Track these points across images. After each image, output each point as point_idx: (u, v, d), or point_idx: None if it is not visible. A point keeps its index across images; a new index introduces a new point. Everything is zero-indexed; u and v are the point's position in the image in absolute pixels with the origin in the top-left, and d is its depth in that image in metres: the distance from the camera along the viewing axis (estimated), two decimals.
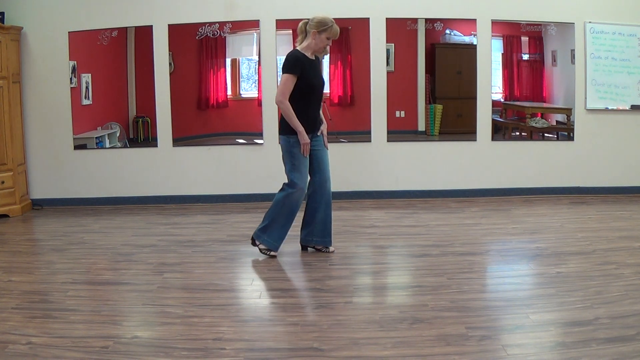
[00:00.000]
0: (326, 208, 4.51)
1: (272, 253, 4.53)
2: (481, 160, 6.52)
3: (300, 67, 4.22)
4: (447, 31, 6.44)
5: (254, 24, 6.28)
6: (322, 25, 4.26)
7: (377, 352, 2.94)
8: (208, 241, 5.03)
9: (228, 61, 6.50)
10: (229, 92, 6.55)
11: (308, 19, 4.33)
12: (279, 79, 4.24)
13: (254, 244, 4.59)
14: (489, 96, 6.45)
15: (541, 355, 2.88)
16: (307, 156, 4.37)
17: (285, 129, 4.32)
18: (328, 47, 4.45)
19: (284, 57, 4.38)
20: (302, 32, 4.35)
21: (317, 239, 4.58)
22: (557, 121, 6.65)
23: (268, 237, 4.49)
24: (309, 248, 4.67)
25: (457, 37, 6.46)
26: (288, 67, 4.22)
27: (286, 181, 4.43)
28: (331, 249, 4.61)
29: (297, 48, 4.34)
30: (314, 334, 3.18)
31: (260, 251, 4.53)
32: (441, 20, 6.38)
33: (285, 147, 4.36)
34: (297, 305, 3.65)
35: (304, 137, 4.28)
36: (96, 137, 6.45)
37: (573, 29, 6.36)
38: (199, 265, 4.39)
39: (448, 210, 6.00)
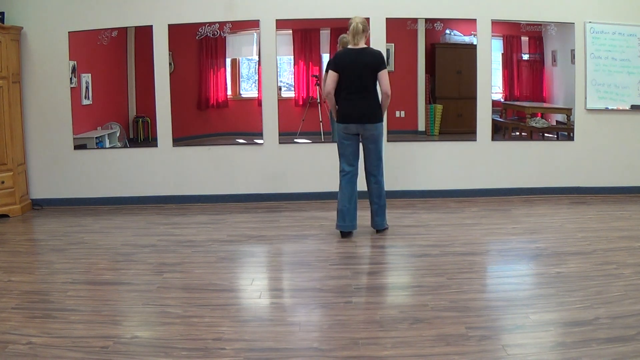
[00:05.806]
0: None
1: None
2: (481, 160, 6.52)
3: None
4: (447, 31, 6.44)
5: (254, 24, 6.28)
6: (368, 26, 4.93)
7: (377, 352, 2.94)
8: (208, 241, 5.03)
9: (228, 61, 6.50)
10: (229, 92, 6.55)
11: (357, 22, 4.73)
12: (382, 75, 4.70)
13: (380, 230, 5.12)
14: (489, 96, 6.45)
15: (541, 355, 2.88)
16: None
17: (381, 116, 4.84)
18: None
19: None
20: (359, 33, 4.74)
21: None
22: (557, 121, 6.65)
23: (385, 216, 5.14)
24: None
25: (457, 37, 6.46)
26: (385, 62, 4.73)
27: (376, 165, 4.93)
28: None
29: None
30: (314, 334, 3.18)
31: (385, 230, 5.13)
32: (441, 20, 6.38)
33: (380, 132, 4.88)
34: (297, 305, 3.65)
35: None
36: (96, 137, 6.44)
37: (573, 29, 6.36)
38: (199, 265, 4.39)
39: (448, 210, 6.00)
